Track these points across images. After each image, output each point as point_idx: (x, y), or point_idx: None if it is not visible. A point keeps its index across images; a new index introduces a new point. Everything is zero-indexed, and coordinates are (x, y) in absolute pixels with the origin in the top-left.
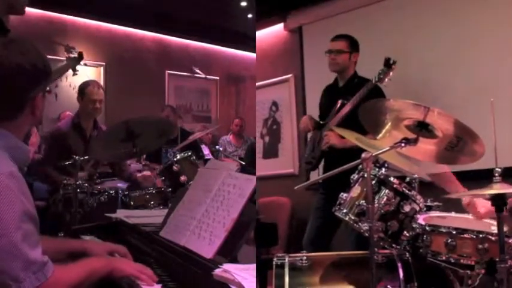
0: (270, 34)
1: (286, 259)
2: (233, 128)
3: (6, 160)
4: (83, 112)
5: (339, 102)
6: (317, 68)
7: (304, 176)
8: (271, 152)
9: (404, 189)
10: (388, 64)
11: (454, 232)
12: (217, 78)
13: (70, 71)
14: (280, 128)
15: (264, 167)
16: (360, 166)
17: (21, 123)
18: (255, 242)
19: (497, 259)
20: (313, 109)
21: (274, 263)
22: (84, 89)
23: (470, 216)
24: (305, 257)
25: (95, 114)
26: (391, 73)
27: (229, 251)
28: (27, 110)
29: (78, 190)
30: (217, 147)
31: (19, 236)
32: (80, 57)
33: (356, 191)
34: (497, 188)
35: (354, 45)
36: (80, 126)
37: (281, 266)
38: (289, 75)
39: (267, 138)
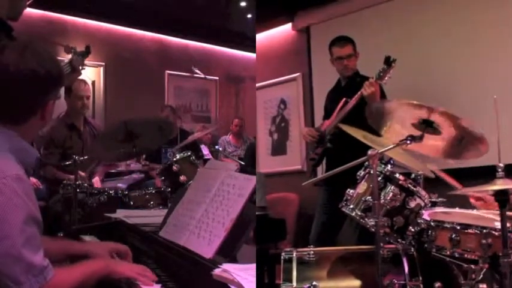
0: (278, 34)
1: (294, 254)
2: (233, 128)
3: (13, 163)
4: (72, 111)
5: (343, 101)
6: (324, 67)
7: (311, 172)
8: (279, 149)
9: (409, 185)
10: (388, 62)
11: (458, 227)
12: (217, 78)
13: None
14: (288, 126)
15: (273, 163)
16: (366, 163)
17: (31, 127)
18: (264, 237)
19: (500, 254)
20: (320, 107)
21: (282, 257)
22: (70, 87)
23: (474, 212)
24: (312, 252)
25: (84, 110)
26: (391, 71)
27: (228, 251)
28: (38, 115)
29: (78, 190)
30: (216, 147)
31: (22, 240)
32: (87, 51)
33: (362, 187)
34: (500, 184)
35: (355, 46)
36: (74, 125)
37: (289, 261)
38: (297, 74)
39: (275, 136)
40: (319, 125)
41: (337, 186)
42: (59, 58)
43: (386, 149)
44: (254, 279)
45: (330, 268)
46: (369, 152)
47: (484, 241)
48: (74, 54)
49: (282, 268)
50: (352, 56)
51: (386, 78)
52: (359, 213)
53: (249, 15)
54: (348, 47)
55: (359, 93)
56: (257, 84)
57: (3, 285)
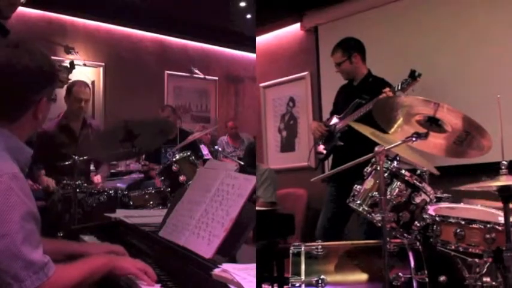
0: (287, 33)
1: (303, 248)
2: (228, 130)
3: (8, 161)
4: (70, 112)
5: (354, 102)
6: (332, 66)
7: (320, 168)
8: (288, 146)
9: (415, 181)
10: (413, 76)
11: (463, 222)
12: (216, 78)
13: None
14: (297, 123)
15: (282, 160)
16: (373, 159)
17: (24, 125)
18: (273, 232)
19: (504, 248)
20: (328, 105)
21: (291, 251)
22: (71, 88)
23: (478, 207)
24: (320, 246)
25: (80, 113)
26: (415, 84)
27: (228, 251)
28: (30, 112)
29: (78, 190)
30: (216, 147)
31: (21, 237)
32: (72, 66)
33: (369, 183)
34: (504, 180)
35: (349, 48)
36: (67, 127)
37: (298, 255)
38: (306, 73)
39: (284, 133)
40: (326, 120)
41: (344, 182)
42: (59, 58)
43: (392, 145)
44: (254, 279)
45: (337, 262)
46: (376, 148)
47: (488, 236)
48: (60, 67)
49: (291, 262)
50: (341, 63)
51: (408, 90)
52: (366, 209)
53: (249, 15)
54: (337, 54)
55: (370, 103)
56: (266, 83)
57: (4, 282)
